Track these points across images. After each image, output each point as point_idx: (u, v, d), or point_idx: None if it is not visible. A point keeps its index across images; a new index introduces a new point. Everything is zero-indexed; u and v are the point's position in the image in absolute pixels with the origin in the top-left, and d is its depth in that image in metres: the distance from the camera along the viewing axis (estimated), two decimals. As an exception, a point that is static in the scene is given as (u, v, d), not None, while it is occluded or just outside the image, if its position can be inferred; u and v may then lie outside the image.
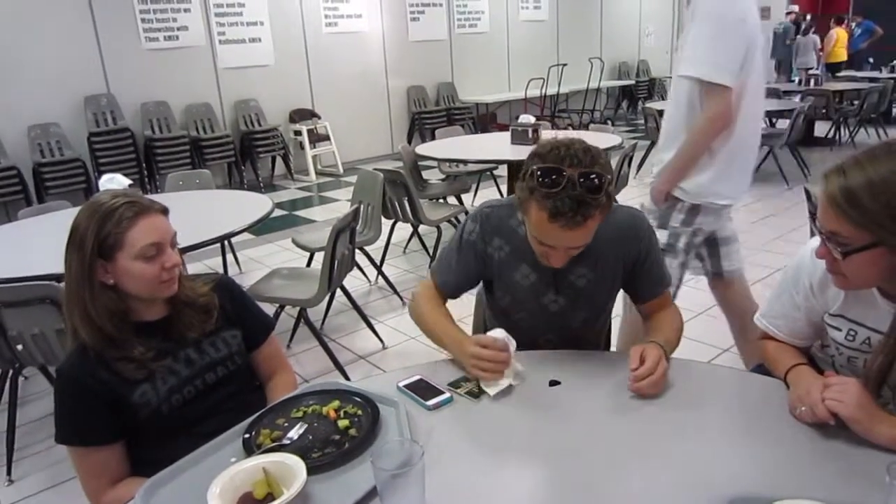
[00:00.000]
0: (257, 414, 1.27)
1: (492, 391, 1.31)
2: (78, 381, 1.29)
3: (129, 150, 6.36)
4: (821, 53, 11.49)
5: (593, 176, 1.25)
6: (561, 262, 1.40)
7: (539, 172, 1.27)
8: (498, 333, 1.36)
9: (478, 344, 1.34)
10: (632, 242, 1.51)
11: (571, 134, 1.39)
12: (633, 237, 1.51)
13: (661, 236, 2.22)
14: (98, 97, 6.36)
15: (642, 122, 7.40)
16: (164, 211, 1.36)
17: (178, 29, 6.80)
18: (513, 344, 1.35)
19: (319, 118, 7.86)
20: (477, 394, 1.32)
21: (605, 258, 1.50)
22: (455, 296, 1.61)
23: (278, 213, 6.25)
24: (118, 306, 1.31)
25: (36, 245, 2.79)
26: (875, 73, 10.25)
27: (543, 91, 9.59)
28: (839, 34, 11.22)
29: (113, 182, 3.01)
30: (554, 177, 1.25)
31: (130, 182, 3.14)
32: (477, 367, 1.33)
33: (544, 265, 1.45)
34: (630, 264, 1.53)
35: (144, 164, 6.57)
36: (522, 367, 1.36)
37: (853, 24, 12.19)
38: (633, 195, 6.17)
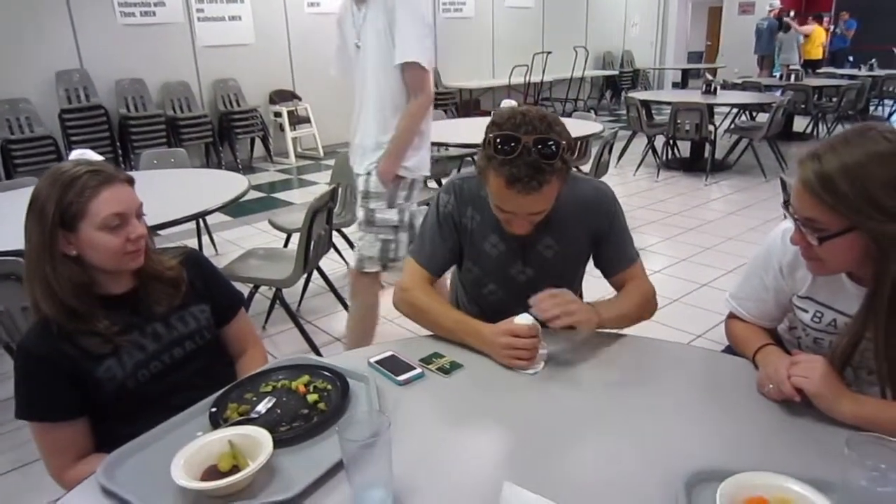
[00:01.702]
0: (225, 388, 1.25)
1: (528, 372, 1.31)
2: (39, 356, 1.26)
3: (102, 127, 6.25)
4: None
5: (550, 143, 1.28)
6: (523, 228, 1.42)
7: (496, 140, 1.29)
8: (524, 320, 1.33)
9: (510, 334, 1.32)
10: (595, 215, 1.53)
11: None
12: (597, 209, 1.53)
13: (392, 215, 2.48)
14: (70, 73, 6.23)
15: (625, 111, 7.41)
16: (130, 181, 1.33)
17: (155, 4, 6.68)
18: (538, 325, 1.34)
19: (300, 100, 7.79)
20: (448, 370, 1.32)
21: (570, 230, 1.52)
22: (441, 273, 1.60)
23: (256, 195, 6.19)
24: (81, 279, 1.28)
25: (1, 220, 2.73)
26: (854, 71, 10.37)
27: (527, 78, 9.58)
28: (814, 32, 11.26)
29: (83, 158, 2.94)
30: (511, 144, 1.27)
31: (102, 158, 3.07)
32: (512, 357, 1.32)
33: (512, 236, 1.47)
34: (595, 236, 1.55)
35: (119, 143, 6.47)
36: (545, 351, 1.35)
37: (840, 22, 12.28)
38: (614, 183, 6.21)
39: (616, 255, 1.56)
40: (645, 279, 1.58)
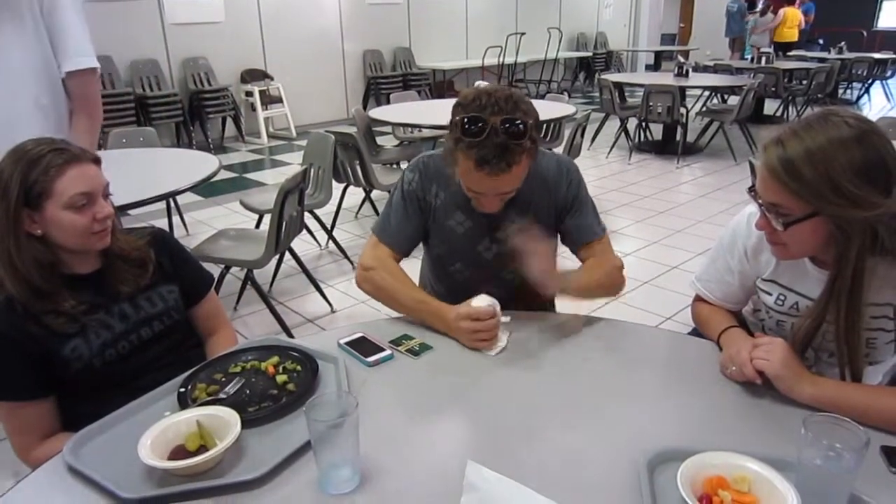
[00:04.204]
0: (194, 369, 1.25)
1: (492, 352, 1.33)
2: (3, 335, 1.23)
3: (69, 105, 6.08)
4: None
5: (517, 122, 1.28)
6: (493, 206, 1.43)
7: (463, 122, 1.29)
8: (482, 301, 1.34)
9: (469, 318, 1.33)
10: (559, 188, 1.53)
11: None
12: (560, 183, 1.53)
13: None
14: (36, 48, 6.04)
15: (598, 94, 7.43)
16: (96, 160, 1.31)
17: (122, -21, 6.49)
18: (497, 304, 1.35)
19: (272, 79, 7.66)
20: (417, 351, 1.33)
21: (536, 205, 1.53)
22: (407, 252, 1.59)
23: (228, 175, 6.10)
24: (47, 258, 1.26)
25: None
26: (824, 54, 10.50)
27: (501, 60, 9.54)
28: (787, 14, 11.35)
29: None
30: (479, 125, 1.27)
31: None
32: (475, 340, 1.33)
33: (479, 213, 1.49)
34: (559, 210, 1.55)
35: (87, 121, 6.30)
36: (507, 318, 1.36)
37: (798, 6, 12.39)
38: (587, 165, 6.24)
39: (580, 227, 1.55)
40: (611, 255, 1.56)
